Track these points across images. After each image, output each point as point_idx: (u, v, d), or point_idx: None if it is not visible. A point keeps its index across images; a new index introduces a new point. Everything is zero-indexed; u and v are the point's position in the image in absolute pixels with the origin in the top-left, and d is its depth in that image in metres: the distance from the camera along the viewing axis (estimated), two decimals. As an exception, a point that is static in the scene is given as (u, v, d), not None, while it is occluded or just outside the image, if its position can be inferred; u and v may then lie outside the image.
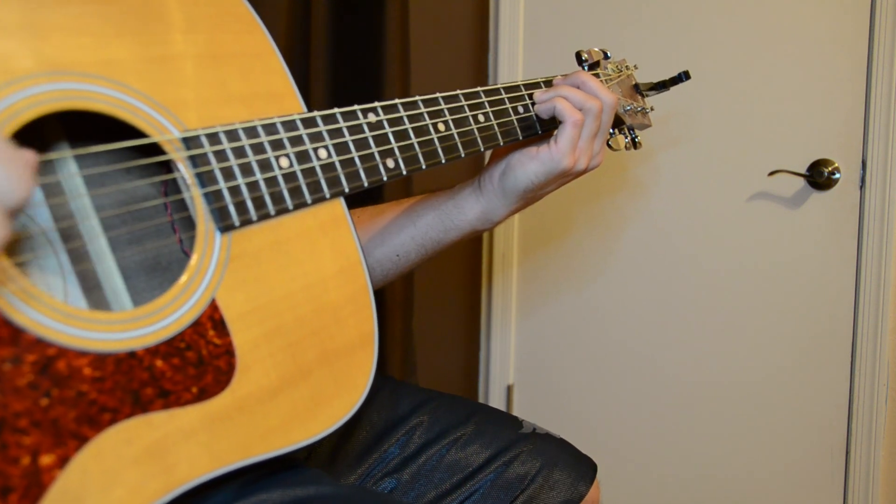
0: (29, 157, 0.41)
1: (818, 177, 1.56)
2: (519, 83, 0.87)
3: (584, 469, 0.92)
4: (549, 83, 0.90)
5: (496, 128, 0.82)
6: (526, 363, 1.99)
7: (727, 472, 1.75)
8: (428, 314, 1.86)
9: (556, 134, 0.83)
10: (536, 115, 0.87)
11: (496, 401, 2.00)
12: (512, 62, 1.89)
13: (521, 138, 0.85)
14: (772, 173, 1.61)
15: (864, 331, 1.55)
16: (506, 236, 1.95)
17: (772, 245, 1.65)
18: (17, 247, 0.53)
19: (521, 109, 0.86)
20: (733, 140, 1.66)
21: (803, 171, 1.58)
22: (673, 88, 1.08)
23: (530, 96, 0.87)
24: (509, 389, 2.00)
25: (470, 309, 2.02)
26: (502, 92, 0.84)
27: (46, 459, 0.44)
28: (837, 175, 1.55)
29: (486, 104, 0.82)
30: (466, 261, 1.99)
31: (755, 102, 1.63)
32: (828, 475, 1.63)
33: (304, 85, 1.46)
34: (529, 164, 0.83)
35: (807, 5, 1.56)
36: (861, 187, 1.54)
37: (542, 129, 0.87)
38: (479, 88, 0.82)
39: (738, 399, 1.71)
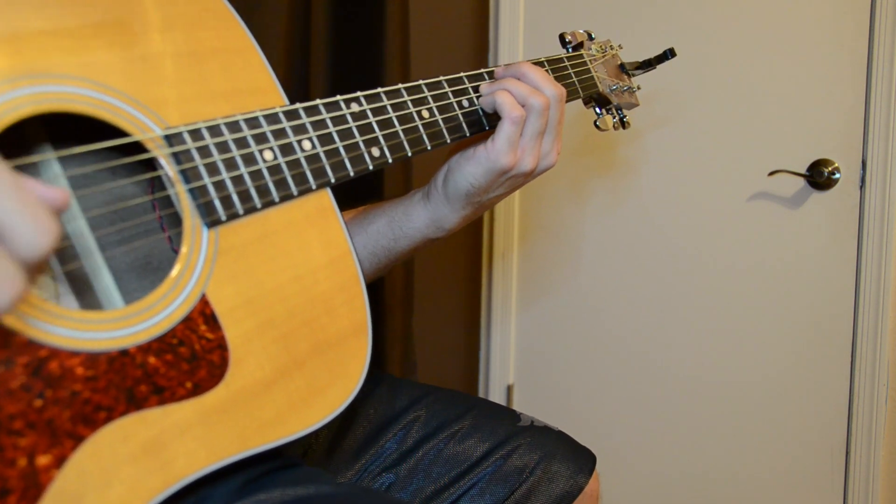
0: (55, 194, 0.39)
1: (818, 177, 1.56)
2: (463, 75, 0.83)
3: (583, 461, 0.92)
4: (491, 74, 0.85)
5: (481, 113, 0.81)
6: (526, 363, 1.99)
7: (727, 472, 1.75)
8: (428, 313, 1.86)
9: (495, 131, 0.78)
10: (482, 109, 0.82)
11: (496, 400, 2.00)
12: (512, 61, 1.89)
13: (467, 135, 0.81)
14: (772, 173, 1.61)
15: (864, 331, 1.55)
16: (506, 235, 1.95)
17: (772, 245, 1.64)
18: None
19: (465, 103, 0.82)
20: (733, 140, 1.66)
21: (803, 171, 1.58)
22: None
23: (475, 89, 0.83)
24: (509, 389, 2.00)
25: (469, 308, 2.02)
26: (486, 76, 0.83)
27: (43, 460, 0.44)
28: (837, 175, 1.55)
29: (471, 90, 0.81)
30: (466, 259, 1.99)
31: (755, 102, 1.63)
32: (828, 475, 1.63)
33: (304, 85, 1.46)
34: (467, 166, 0.79)
35: (807, 5, 1.56)
36: (861, 187, 1.54)
37: (489, 124, 0.82)
38: (462, 74, 0.81)
39: (738, 398, 1.71)
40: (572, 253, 1.89)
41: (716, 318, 1.73)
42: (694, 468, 1.79)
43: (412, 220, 0.85)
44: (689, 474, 1.79)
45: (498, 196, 0.84)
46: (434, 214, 0.84)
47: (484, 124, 0.81)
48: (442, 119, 0.77)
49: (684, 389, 1.78)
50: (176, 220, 0.61)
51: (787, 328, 1.65)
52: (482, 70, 0.83)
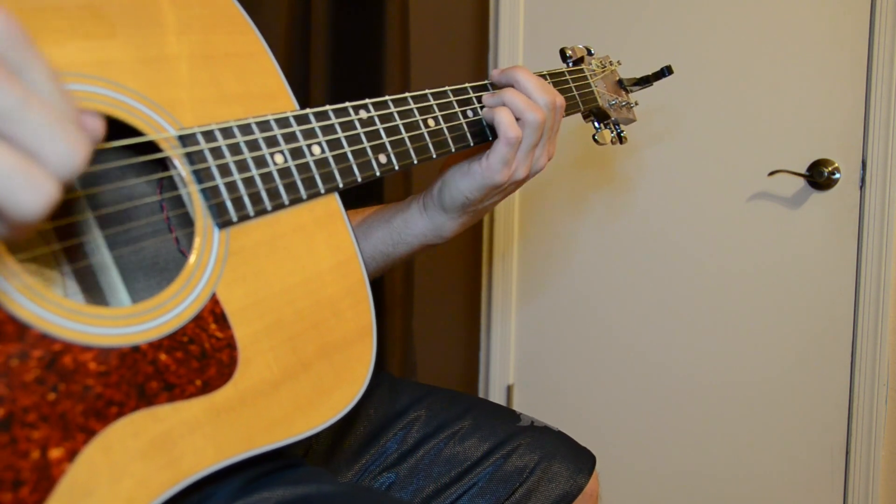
0: (93, 124, 0.40)
1: (818, 177, 1.56)
2: (467, 86, 0.82)
3: (583, 461, 0.92)
4: (493, 85, 0.84)
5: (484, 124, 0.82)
6: (526, 363, 1.99)
7: (727, 472, 1.75)
8: (428, 313, 1.86)
9: (490, 149, 0.79)
10: (485, 121, 0.82)
11: (496, 400, 2.00)
12: (512, 62, 1.89)
13: (471, 145, 0.82)
14: (772, 173, 1.61)
15: (864, 331, 1.56)
16: (505, 235, 1.96)
17: (772, 245, 1.65)
18: (16, 244, 0.53)
19: (469, 113, 0.82)
20: (733, 140, 1.67)
21: (803, 171, 1.59)
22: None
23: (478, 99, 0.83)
24: (509, 389, 2.00)
25: (469, 308, 2.02)
26: (490, 88, 0.84)
27: (55, 453, 0.44)
28: (837, 175, 1.56)
29: (475, 100, 0.82)
30: (466, 260, 2.00)
31: (755, 102, 1.63)
32: (828, 475, 1.63)
33: (304, 85, 1.46)
34: (462, 181, 0.81)
35: (807, 5, 1.57)
36: (861, 187, 1.54)
37: (493, 134, 0.82)
38: (466, 84, 0.82)
39: (739, 399, 1.72)
40: (572, 253, 1.90)
41: (716, 318, 1.73)
42: (694, 468, 1.79)
43: (411, 227, 0.87)
44: (689, 474, 1.80)
45: (494, 203, 0.86)
46: (432, 223, 0.86)
47: (487, 135, 0.82)
48: (447, 128, 0.79)
49: (684, 389, 1.78)
50: (183, 222, 0.61)
51: (787, 328, 1.65)
52: (467, 85, 0.83)
